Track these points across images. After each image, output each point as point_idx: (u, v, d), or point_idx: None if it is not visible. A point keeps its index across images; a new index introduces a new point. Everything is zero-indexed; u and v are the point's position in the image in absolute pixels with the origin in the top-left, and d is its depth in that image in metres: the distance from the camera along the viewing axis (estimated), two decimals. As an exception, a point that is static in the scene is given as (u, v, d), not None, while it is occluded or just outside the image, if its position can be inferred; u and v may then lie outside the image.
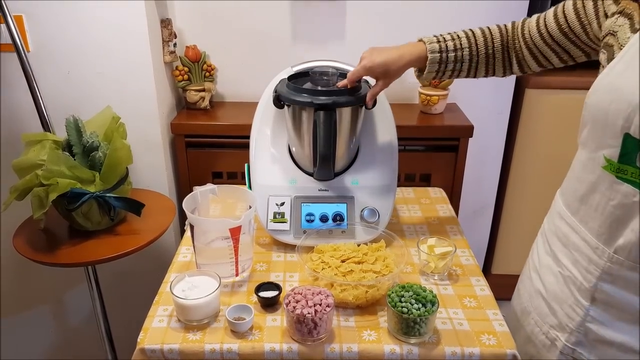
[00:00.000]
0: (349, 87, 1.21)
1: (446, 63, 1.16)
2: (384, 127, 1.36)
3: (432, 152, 1.81)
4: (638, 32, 0.82)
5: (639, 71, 0.79)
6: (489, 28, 1.17)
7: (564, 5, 1.04)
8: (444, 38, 1.16)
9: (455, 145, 1.78)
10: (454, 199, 1.83)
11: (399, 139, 1.37)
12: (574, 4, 1.01)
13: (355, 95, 1.23)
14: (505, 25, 1.17)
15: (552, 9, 1.07)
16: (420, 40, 1.17)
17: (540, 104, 2.03)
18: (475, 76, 1.20)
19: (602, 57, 0.93)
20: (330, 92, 1.21)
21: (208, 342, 1.01)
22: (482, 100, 1.97)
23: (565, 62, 1.10)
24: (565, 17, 1.02)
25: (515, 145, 2.12)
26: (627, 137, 0.80)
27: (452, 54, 1.15)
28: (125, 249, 1.36)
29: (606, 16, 0.92)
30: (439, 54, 1.15)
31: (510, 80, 1.98)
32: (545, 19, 1.07)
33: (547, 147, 2.09)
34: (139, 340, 1.02)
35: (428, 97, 1.82)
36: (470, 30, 1.17)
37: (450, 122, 1.80)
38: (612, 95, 0.82)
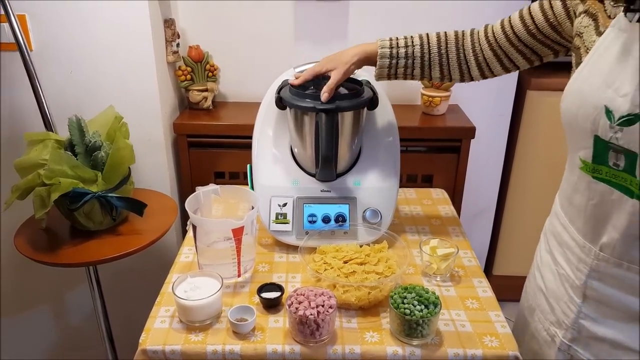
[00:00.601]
0: (296, 83, 1.24)
1: (397, 59, 1.19)
2: (386, 128, 1.36)
3: (434, 153, 1.81)
4: (602, 35, 0.83)
5: (602, 75, 0.81)
6: (445, 32, 1.20)
7: (529, 8, 1.06)
8: (396, 37, 1.20)
9: (457, 146, 1.78)
10: (456, 200, 1.83)
11: (401, 140, 1.36)
12: (541, 5, 1.02)
13: (357, 99, 1.23)
14: (463, 31, 1.20)
15: (517, 11, 1.09)
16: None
17: (542, 105, 2.03)
18: (430, 77, 1.22)
19: (572, 60, 0.95)
20: (333, 97, 1.21)
21: (210, 343, 1.01)
22: (484, 102, 1.97)
23: (531, 62, 1.12)
24: (532, 18, 1.04)
25: (517, 146, 2.12)
26: (596, 139, 0.83)
27: (402, 50, 1.19)
28: (127, 249, 1.36)
29: (575, 15, 0.94)
30: (389, 49, 1.19)
31: (512, 82, 1.97)
32: (510, 20, 1.10)
33: (549, 148, 2.09)
34: (140, 341, 1.02)
35: (430, 99, 1.82)
36: (426, 33, 1.21)
37: (452, 124, 1.80)
38: (580, 100, 0.85)
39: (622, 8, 0.81)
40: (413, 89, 1.93)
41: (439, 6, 1.82)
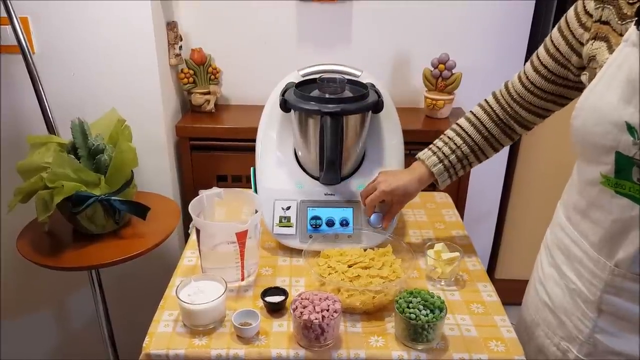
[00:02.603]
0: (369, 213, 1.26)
1: (453, 166, 1.19)
2: (390, 131, 1.36)
3: (438, 157, 1.80)
4: (615, 52, 0.82)
5: (619, 91, 0.79)
6: (473, 113, 1.18)
7: (538, 55, 1.03)
8: (437, 147, 1.19)
9: (461, 149, 1.77)
10: (459, 204, 1.82)
11: (405, 143, 1.36)
12: (547, 50, 1.00)
13: (362, 102, 1.23)
14: (487, 102, 1.17)
15: (529, 62, 1.06)
16: (418, 159, 1.21)
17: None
18: (487, 158, 1.21)
19: (584, 77, 0.93)
20: (338, 100, 1.21)
21: (214, 347, 1.01)
22: (487, 105, 1.97)
23: (563, 105, 1.08)
24: (544, 66, 1.02)
25: (520, 150, 2.12)
26: (618, 155, 0.81)
27: (452, 157, 1.18)
28: (129, 253, 1.35)
29: (582, 45, 0.92)
30: (441, 164, 1.18)
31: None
32: (527, 75, 1.06)
33: (551, 152, 2.08)
34: (144, 345, 1.01)
35: (434, 102, 1.82)
36: (457, 124, 1.19)
37: (456, 127, 1.79)
38: (596, 118, 0.83)
39: (630, 24, 0.80)
40: (417, 93, 1.93)
41: (443, 8, 1.82)
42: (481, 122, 1.16)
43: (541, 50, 1.02)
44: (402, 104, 1.90)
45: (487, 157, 1.21)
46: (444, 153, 1.18)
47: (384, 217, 1.25)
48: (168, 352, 1.00)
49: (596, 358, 0.95)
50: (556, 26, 0.99)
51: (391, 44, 1.88)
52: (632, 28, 0.79)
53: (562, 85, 1.02)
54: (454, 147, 1.18)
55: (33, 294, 1.95)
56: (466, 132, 1.17)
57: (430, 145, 1.21)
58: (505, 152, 2.09)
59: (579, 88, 1.00)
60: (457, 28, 1.86)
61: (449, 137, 1.19)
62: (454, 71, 1.81)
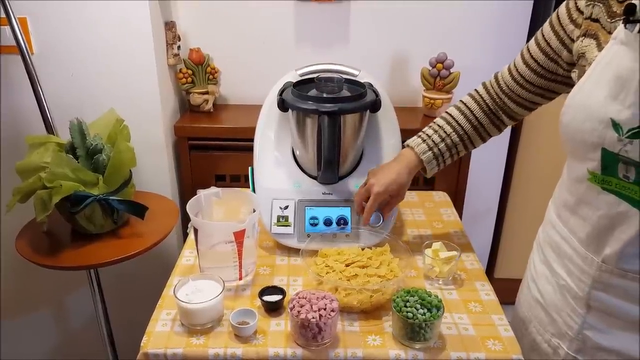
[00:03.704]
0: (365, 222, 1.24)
1: (442, 154, 1.18)
2: (388, 130, 1.36)
3: (436, 156, 1.80)
4: (603, 49, 0.83)
5: (606, 88, 0.80)
6: (463, 102, 1.18)
7: (529, 49, 1.04)
8: (427, 135, 1.19)
9: (459, 148, 1.77)
10: (458, 203, 1.82)
11: (403, 142, 1.36)
12: (538, 44, 1.01)
13: (360, 102, 1.23)
14: (477, 92, 1.18)
15: (519, 55, 1.07)
16: (407, 146, 1.21)
17: (543, 107, 2.02)
18: (475, 147, 1.22)
19: (574, 75, 0.94)
20: (336, 99, 1.21)
21: (212, 346, 1.01)
22: (485, 104, 1.97)
23: (551, 98, 1.09)
24: (534, 60, 1.02)
25: (519, 148, 2.12)
26: (604, 152, 0.82)
27: (442, 145, 1.18)
28: (128, 252, 1.35)
29: (572, 41, 0.93)
30: (430, 152, 1.18)
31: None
32: (517, 68, 1.07)
33: (550, 151, 2.08)
34: (142, 344, 1.02)
35: (432, 101, 1.82)
36: (447, 113, 1.19)
37: (454, 126, 1.79)
38: (584, 114, 0.83)
39: (619, 22, 0.80)
40: (415, 92, 1.93)
41: (441, 8, 1.82)
42: (471, 112, 1.17)
43: (532, 44, 1.03)
44: (400, 103, 1.90)
45: (474, 147, 1.21)
46: (433, 141, 1.18)
47: (383, 210, 1.24)
48: (166, 351, 1.00)
49: (585, 354, 0.96)
50: (547, 20, 0.99)
51: (389, 43, 1.88)
52: (621, 26, 0.79)
53: (550, 79, 1.03)
54: (443, 135, 1.18)
55: (32, 293, 1.95)
56: (456, 121, 1.18)
57: (420, 133, 1.21)
58: (504, 149, 2.09)
59: (568, 83, 1.00)
60: (455, 27, 1.86)
61: (438, 125, 1.19)
62: (452, 70, 1.81)
